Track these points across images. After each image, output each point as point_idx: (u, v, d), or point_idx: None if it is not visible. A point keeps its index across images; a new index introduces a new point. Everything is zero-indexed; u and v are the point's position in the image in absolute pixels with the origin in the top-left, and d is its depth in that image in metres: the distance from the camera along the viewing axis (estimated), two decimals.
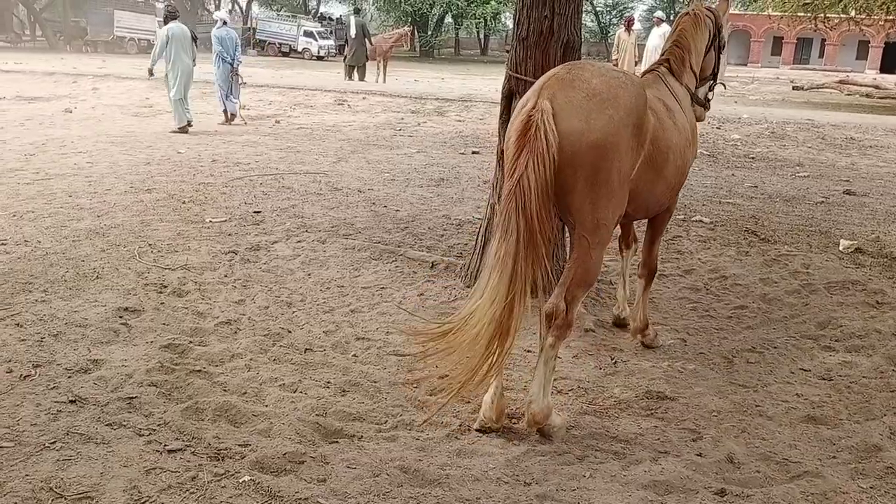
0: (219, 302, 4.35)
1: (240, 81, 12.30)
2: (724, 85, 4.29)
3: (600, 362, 3.85)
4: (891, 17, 24.03)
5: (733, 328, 4.34)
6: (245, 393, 3.27)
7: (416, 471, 2.73)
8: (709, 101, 4.09)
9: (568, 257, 3.04)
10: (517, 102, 3.42)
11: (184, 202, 6.58)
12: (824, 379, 3.68)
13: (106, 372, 3.36)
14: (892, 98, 25.08)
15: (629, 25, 16.73)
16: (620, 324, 4.27)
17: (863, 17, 23.85)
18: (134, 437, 2.85)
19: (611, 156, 2.83)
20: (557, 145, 2.73)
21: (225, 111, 12.04)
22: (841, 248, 5.88)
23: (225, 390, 3.29)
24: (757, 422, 3.25)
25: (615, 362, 3.85)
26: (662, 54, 3.88)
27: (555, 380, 3.58)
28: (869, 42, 45.79)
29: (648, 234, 3.93)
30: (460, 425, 3.10)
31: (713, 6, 4.17)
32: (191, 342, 3.77)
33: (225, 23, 12.52)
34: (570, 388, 3.54)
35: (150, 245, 5.28)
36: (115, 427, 2.91)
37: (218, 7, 53.87)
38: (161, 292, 4.44)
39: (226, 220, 6.03)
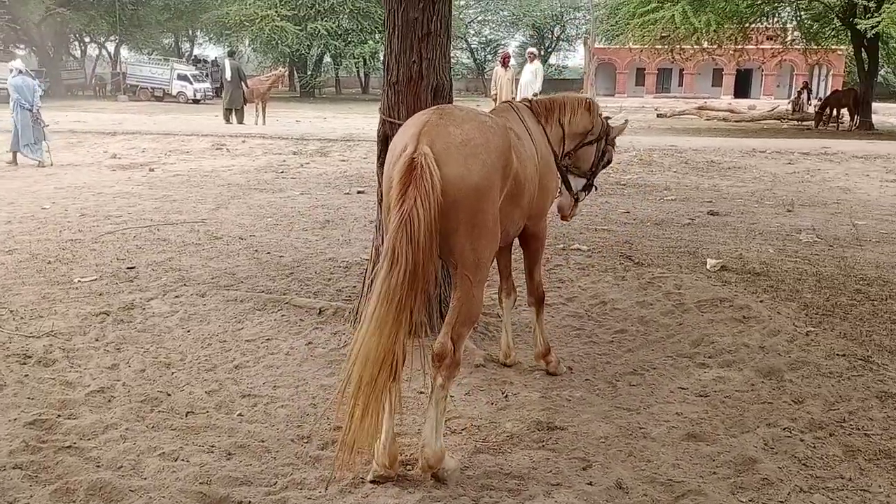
0: (90, 369, 4.08)
1: (42, 125, 12.44)
2: (595, 187, 4.51)
3: (492, 397, 3.88)
4: (739, 47, 26.09)
5: (615, 352, 4.50)
6: (121, 467, 3.07)
7: None
8: (578, 200, 4.32)
9: (452, 297, 3.08)
10: None
11: (49, 262, 6.18)
12: (701, 396, 3.87)
13: None
14: (746, 121, 27.15)
15: (505, 62, 17.31)
16: (505, 365, 4.32)
17: (714, 47, 25.73)
18: None
19: (486, 198, 2.95)
20: (441, 189, 2.78)
21: (15, 154, 12.12)
22: (708, 266, 6.24)
23: (98, 466, 3.08)
24: (642, 444, 3.35)
25: (506, 396, 3.89)
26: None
27: (448, 419, 3.58)
28: (722, 70, 49.45)
29: (527, 265, 4.07)
30: (353, 479, 3.02)
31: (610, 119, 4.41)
32: (59, 416, 3.51)
33: (21, 71, 12.55)
34: (463, 427, 3.54)
35: (11, 312, 4.92)
36: None
37: (84, 54, 51.72)
38: (24, 363, 4.12)
39: (96, 279, 5.71)
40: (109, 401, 3.70)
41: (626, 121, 4.41)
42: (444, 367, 2.95)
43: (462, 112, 3.11)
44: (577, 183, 4.30)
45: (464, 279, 2.99)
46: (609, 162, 4.45)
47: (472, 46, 56.97)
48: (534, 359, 4.22)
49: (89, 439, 3.30)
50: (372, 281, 2.93)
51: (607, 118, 4.38)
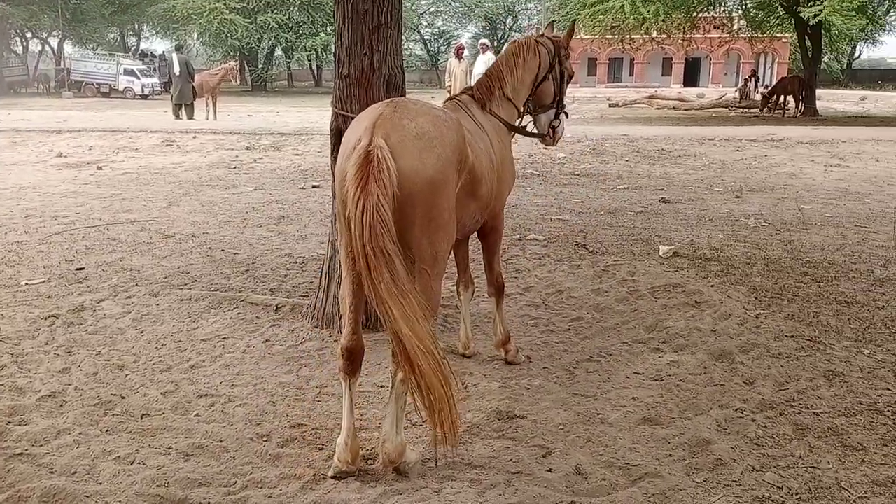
0: (40, 373, 3.98)
1: None
2: (566, 114, 4.39)
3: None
4: (687, 37, 26.55)
5: (572, 340, 4.55)
6: (75, 473, 3.00)
7: None
8: (554, 128, 4.26)
9: None
10: None
11: None
12: (656, 380, 3.94)
13: None
14: (696, 109, 27.65)
15: (459, 53, 17.31)
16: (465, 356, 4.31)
17: (663, 37, 26.14)
18: None
19: (441, 191, 2.94)
20: (396, 182, 2.76)
21: None
22: (661, 253, 6.36)
23: (51, 472, 3.00)
24: (600, 430, 3.41)
25: (466, 386, 3.91)
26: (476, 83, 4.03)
27: (408, 412, 3.59)
28: (672, 59, 50.27)
29: (486, 257, 4.10)
30: (314, 475, 3.01)
31: (554, 35, 4.29)
32: (9, 422, 3.41)
33: None
34: (424, 420, 3.53)
35: None
36: None
37: (26, 50, 50.12)
38: None
39: (44, 281, 5.56)
40: (61, 405, 3.61)
41: (573, 22, 4.31)
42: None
43: (416, 105, 3.09)
44: (547, 116, 4.22)
45: (422, 273, 2.97)
46: (571, 76, 4.29)
47: (426, 38, 56.90)
48: (493, 347, 4.25)
49: (41, 445, 3.22)
50: (367, 287, 2.78)
51: (553, 37, 4.21)
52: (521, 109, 4.15)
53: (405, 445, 3.03)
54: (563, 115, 4.32)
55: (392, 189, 2.73)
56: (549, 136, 4.30)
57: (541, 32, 4.36)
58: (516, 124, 4.13)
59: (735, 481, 2.97)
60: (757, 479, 2.98)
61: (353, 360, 3.02)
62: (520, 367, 4.16)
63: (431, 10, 55.21)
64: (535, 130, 4.32)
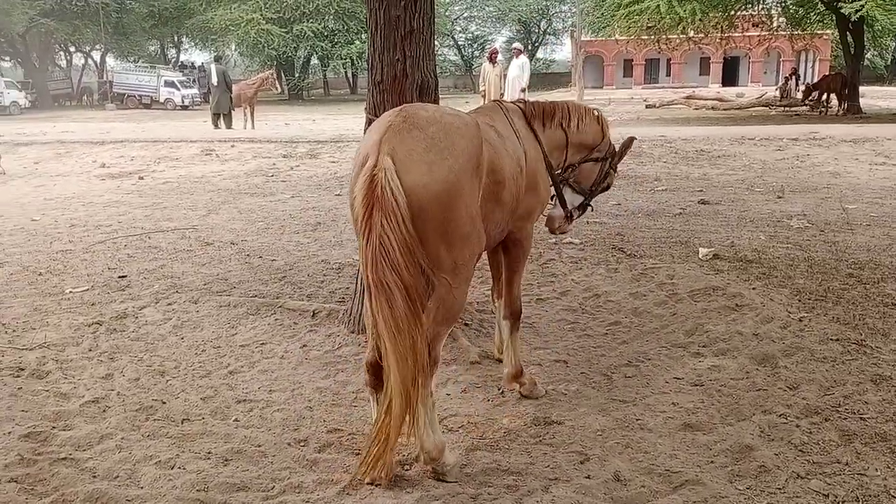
0: (84, 379, 4.06)
1: None
2: (591, 207, 4.27)
3: (488, 394, 3.87)
4: (725, 35, 26.16)
5: (609, 344, 4.50)
6: (117, 477, 3.05)
7: None
8: (572, 218, 4.06)
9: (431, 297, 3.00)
10: None
11: (40, 274, 6.15)
12: (696, 385, 3.87)
13: None
14: (735, 109, 27.21)
15: (493, 57, 17.31)
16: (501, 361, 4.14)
17: (700, 36, 25.78)
18: None
19: (456, 203, 2.84)
20: (405, 200, 2.70)
21: None
22: (700, 256, 6.25)
23: (94, 476, 3.06)
24: (639, 436, 3.36)
25: (502, 392, 3.89)
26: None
27: (444, 417, 3.59)
28: (709, 59, 49.60)
29: (505, 275, 3.79)
30: (351, 480, 3.01)
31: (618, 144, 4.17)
32: (54, 427, 3.49)
33: None
34: (460, 425, 3.53)
35: (3, 325, 4.89)
36: None
37: (70, 63, 51.49)
38: (18, 376, 4.10)
39: (88, 289, 5.69)
40: (104, 411, 3.69)
41: (633, 138, 4.12)
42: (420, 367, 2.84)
43: (427, 113, 2.96)
44: (573, 199, 4.05)
45: (442, 281, 2.91)
46: (609, 187, 4.23)
47: (459, 43, 57.01)
48: (504, 383, 3.88)
49: (84, 450, 3.29)
50: (372, 324, 2.84)
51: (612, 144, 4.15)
52: (569, 155, 3.95)
53: (445, 445, 3.03)
54: (585, 210, 4.18)
55: (399, 214, 2.68)
56: (563, 220, 4.04)
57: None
58: (554, 166, 3.90)
59: (779, 489, 2.89)
60: (802, 487, 2.90)
61: (377, 374, 3.00)
62: (556, 372, 4.12)
63: (465, 15, 55.37)
64: (556, 203, 4.06)
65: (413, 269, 2.73)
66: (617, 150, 4.14)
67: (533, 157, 3.64)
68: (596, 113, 4.09)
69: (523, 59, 16.92)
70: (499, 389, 3.90)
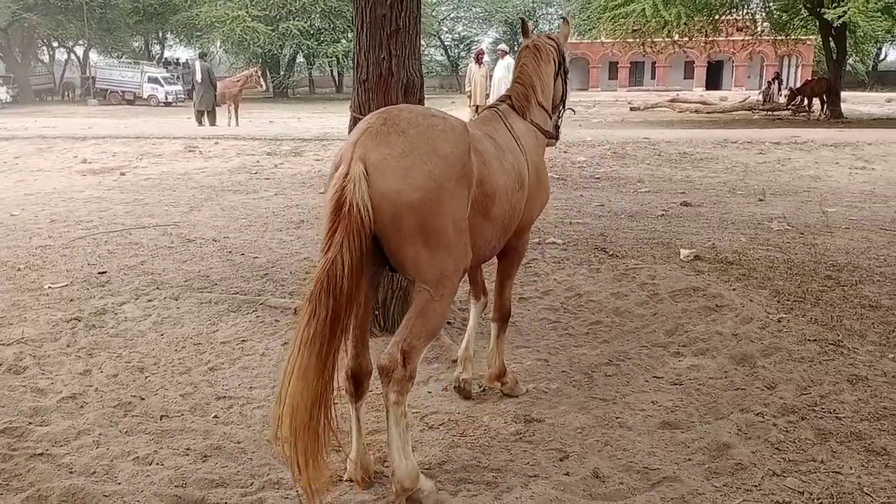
0: (61, 375, 4.03)
1: None
2: (572, 110, 4.25)
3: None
4: (710, 39, 26.37)
5: (591, 343, 4.52)
6: (94, 473, 3.03)
7: None
8: (558, 128, 4.04)
9: (410, 308, 2.85)
10: None
11: (19, 269, 6.08)
12: (675, 384, 3.90)
13: None
14: (718, 112, 27.43)
15: (479, 58, 17.33)
16: (460, 389, 3.82)
17: (685, 40, 25.97)
18: None
19: (436, 210, 2.69)
20: (374, 210, 2.59)
21: None
22: (681, 257, 6.30)
23: (71, 472, 3.04)
24: (618, 433, 3.38)
25: (483, 390, 3.89)
26: (507, 91, 3.81)
27: (426, 415, 3.59)
28: (694, 62, 49.97)
29: (498, 279, 3.72)
30: (330, 477, 3.01)
31: (553, 33, 4.12)
32: (30, 423, 3.46)
33: None
34: (441, 423, 3.54)
35: None
36: None
37: (52, 59, 50.99)
38: None
39: (67, 285, 5.63)
40: (82, 407, 3.66)
41: (565, 19, 3.97)
42: (394, 381, 2.70)
43: (410, 114, 2.82)
44: (554, 117, 3.96)
45: (421, 292, 2.75)
46: (568, 73, 4.06)
47: (446, 44, 57.02)
48: (486, 381, 3.85)
49: (62, 446, 3.26)
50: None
51: (552, 36, 4.01)
52: (552, 115, 3.93)
53: (418, 472, 2.81)
54: (566, 112, 4.14)
55: (366, 230, 2.59)
56: (556, 137, 4.00)
57: (543, 33, 4.18)
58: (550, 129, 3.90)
59: (755, 486, 2.92)
60: (778, 484, 2.93)
61: (358, 384, 2.91)
62: (538, 370, 4.14)
63: (452, 15, 55.42)
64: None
65: (353, 294, 2.63)
66: (560, 45, 3.99)
67: (533, 159, 3.53)
68: (541, 54, 3.82)
69: (509, 59, 16.91)
70: (480, 387, 3.91)
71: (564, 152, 13.53)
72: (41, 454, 3.17)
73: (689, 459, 3.13)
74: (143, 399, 3.74)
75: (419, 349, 2.78)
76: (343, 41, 40.47)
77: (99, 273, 5.95)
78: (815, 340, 4.42)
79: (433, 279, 2.75)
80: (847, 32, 23.06)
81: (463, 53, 56.23)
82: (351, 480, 2.98)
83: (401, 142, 2.69)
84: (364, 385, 2.96)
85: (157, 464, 3.11)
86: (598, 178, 11.02)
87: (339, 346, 2.65)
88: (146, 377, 4.03)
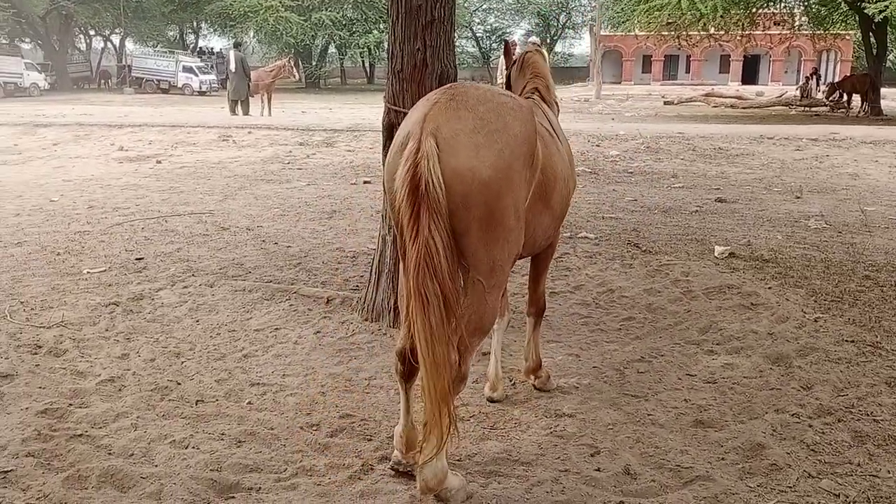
0: (100, 358, 4.11)
1: None
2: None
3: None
4: (746, 33, 25.94)
5: (623, 340, 4.50)
6: (132, 455, 3.09)
7: None
8: None
9: (462, 303, 2.72)
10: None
11: (58, 254, 6.21)
12: (709, 382, 3.86)
13: None
14: (754, 107, 27.00)
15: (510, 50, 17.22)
16: (492, 400, 3.71)
17: (721, 33, 25.57)
18: None
19: (504, 192, 2.57)
20: (446, 189, 2.47)
21: None
22: (716, 254, 6.22)
23: (110, 454, 3.10)
24: (650, 431, 3.36)
25: (514, 383, 3.90)
26: (524, 86, 3.80)
27: (456, 406, 3.59)
28: (730, 56, 49.19)
29: (532, 273, 3.68)
30: (363, 465, 3.04)
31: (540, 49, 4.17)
32: (70, 405, 3.54)
33: None
34: (472, 415, 3.55)
35: (21, 303, 4.95)
36: None
37: (89, 47, 51.79)
38: (36, 353, 4.15)
39: (105, 270, 5.74)
40: (120, 390, 3.73)
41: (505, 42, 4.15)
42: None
43: (478, 91, 2.70)
44: None
45: (475, 284, 2.64)
46: None
47: (478, 35, 56.80)
48: (523, 374, 3.87)
49: (100, 427, 3.33)
50: (407, 317, 2.64)
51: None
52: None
53: (446, 471, 2.70)
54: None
55: (444, 206, 2.47)
56: None
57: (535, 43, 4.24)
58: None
59: (790, 487, 2.89)
60: (813, 486, 2.90)
61: (408, 363, 2.81)
62: (569, 365, 4.13)
63: (484, 6, 55.17)
64: None
65: (454, 274, 2.54)
66: None
67: (568, 149, 3.52)
68: (542, 55, 3.95)
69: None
70: (511, 381, 3.91)
71: (597, 146, 13.43)
72: (81, 435, 3.24)
73: (723, 459, 3.11)
74: (179, 384, 3.80)
75: (474, 347, 2.71)
76: (375, 32, 40.58)
77: (136, 259, 6.06)
78: (852, 341, 4.35)
79: (487, 268, 2.64)
80: (888, 28, 22.53)
81: (495, 45, 55.97)
82: (393, 469, 2.96)
83: (471, 118, 2.57)
84: (416, 366, 2.78)
85: (193, 447, 3.16)
86: (632, 173, 10.92)
87: (452, 334, 2.56)
88: (182, 362, 4.10)
